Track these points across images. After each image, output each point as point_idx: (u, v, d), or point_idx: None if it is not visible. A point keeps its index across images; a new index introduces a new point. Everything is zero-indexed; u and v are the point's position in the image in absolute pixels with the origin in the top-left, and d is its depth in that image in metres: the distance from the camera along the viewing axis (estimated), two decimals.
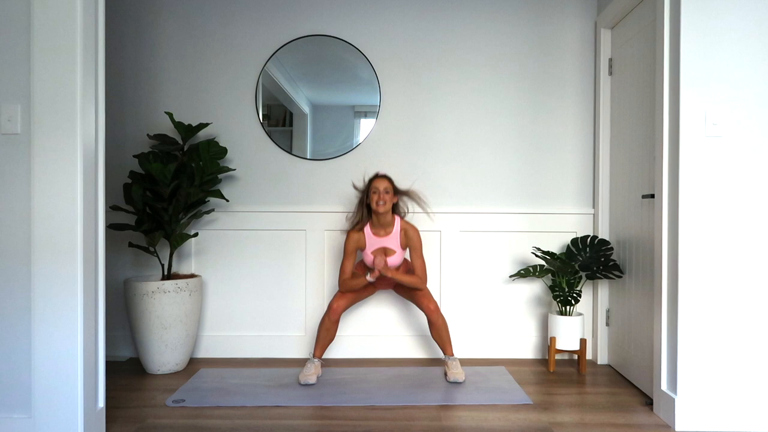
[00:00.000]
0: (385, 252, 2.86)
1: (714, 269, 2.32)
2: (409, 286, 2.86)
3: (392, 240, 2.86)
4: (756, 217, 2.31)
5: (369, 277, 2.78)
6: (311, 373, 2.84)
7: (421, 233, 3.34)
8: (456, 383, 2.83)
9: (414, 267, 2.88)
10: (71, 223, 2.01)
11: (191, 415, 2.45)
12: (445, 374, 2.92)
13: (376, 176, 2.87)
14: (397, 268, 2.94)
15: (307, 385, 2.80)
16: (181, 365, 3.08)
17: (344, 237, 3.10)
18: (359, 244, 2.88)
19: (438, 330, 2.92)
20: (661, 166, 2.44)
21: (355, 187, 2.98)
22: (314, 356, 2.91)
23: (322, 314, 3.32)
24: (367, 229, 2.87)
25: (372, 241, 2.86)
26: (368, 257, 2.87)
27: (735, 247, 2.32)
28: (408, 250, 2.93)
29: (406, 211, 2.97)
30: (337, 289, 3.04)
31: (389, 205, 2.81)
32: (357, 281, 2.83)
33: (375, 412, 2.47)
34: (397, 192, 2.88)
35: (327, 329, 2.89)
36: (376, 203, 2.78)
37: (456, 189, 3.37)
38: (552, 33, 3.37)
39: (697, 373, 2.32)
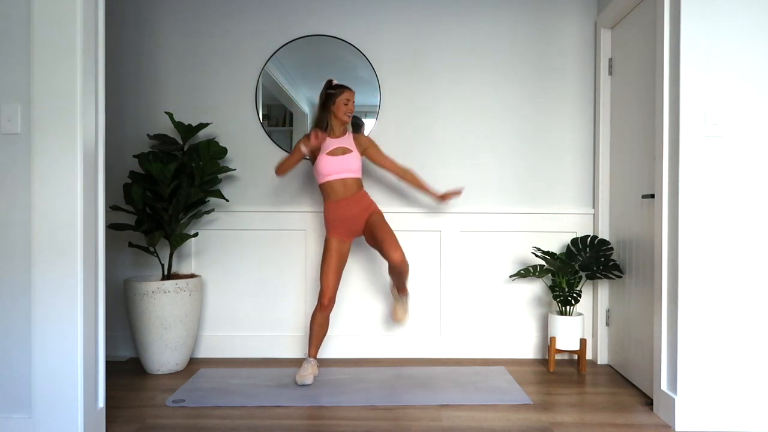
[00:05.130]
0: (343, 150, 2.90)
1: (714, 269, 2.32)
2: (416, 182, 3.04)
3: (347, 140, 2.94)
4: (756, 217, 2.31)
5: (303, 148, 2.78)
6: (308, 373, 2.83)
7: (421, 233, 3.36)
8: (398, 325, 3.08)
9: (386, 162, 3.02)
10: (71, 223, 2.01)
11: (191, 415, 2.45)
12: (393, 311, 3.10)
13: (343, 86, 2.92)
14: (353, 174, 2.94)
15: (304, 385, 2.80)
16: (181, 365, 3.08)
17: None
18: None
19: (399, 274, 2.87)
20: (661, 166, 2.44)
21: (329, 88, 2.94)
22: (309, 356, 2.91)
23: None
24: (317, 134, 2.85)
25: (329, 142, 2.91)
26: (323, 158, 2.87)
27: (735, 247, 2.32)
28: (367, 155, 3.01)
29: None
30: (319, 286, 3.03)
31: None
32: (290, 157, 2.86)
33: (375, 412, 2.47)
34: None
35: (321, 324, 2.89)
36: (346, 114, 2.90)
37: None
38: (552, 33, 3.37)
39: (697, 373, 2.32)
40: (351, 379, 2.92)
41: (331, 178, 2.87)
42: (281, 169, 2.91)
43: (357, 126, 3.32)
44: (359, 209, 2.89)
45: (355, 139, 2.98)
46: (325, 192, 2.92)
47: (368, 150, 3.01)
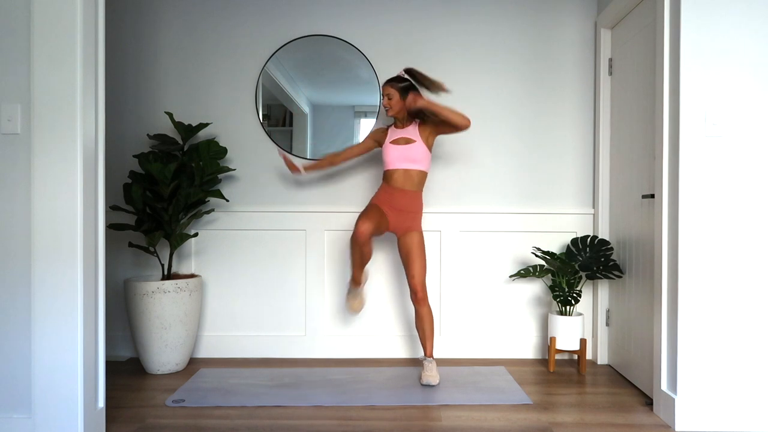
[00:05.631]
0: (406, 141, 2.88)
1: (714, 269, 2.32)
2: (452, 117, 2.71)
3: (412, 131, 2.90)
4: (756, 217, 2.31)
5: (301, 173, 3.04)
6: (357, 302, 3.00)
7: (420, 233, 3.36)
8: (429, 386, 2.79)
9: (446, 112, 2.73)
10: (71, 223, 2.01)
11: (191, 415, 2.45)
12: (420, 376, 2.89)
13: (388, 80, 2.90)
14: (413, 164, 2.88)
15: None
16: (181, 365, 3.09)
17: (346, 239, 3.33)
18: (376, 135, 3.02)
19: (422, 321, 2.87)
20: (661, 166, 2.44)
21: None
22: (354, 282, 2.94)
23: (322, 308, 3.33)
24: (391, 128, 2.97)
25: (393, 132, 2.94)
26: (387, 149, 2.90)
27: (735, 247, 2.32)
28: (432, 134, 2.88)
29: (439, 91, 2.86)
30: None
31: (396, 109, 2.87)
32: (344, 153, 3.03)
33: (375, 412, 2.47)
34: (405, 96, 2.85)
35: (360, 250, 2.75)
36: (384, 107, 2.89)
37: (456, 189, 3.37)
38: (552, 33, 3.37)
39: (697, 373, 2.32)
40: (351, 379, 2.92)
41: (393, 167, 2.88)
42: (331, 159, 3.07)
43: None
44: (409, 208, 2.86)
45: (421, 128, 2.89)
46: (385, 178, 2.93)
47: (430, 131, 2.88)
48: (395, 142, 2.89)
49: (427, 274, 3.10)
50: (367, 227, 2.68)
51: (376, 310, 3.38)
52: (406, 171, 2.86)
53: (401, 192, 2.86)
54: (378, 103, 3.35)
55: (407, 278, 2.89)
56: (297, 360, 3.30)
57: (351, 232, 3.32)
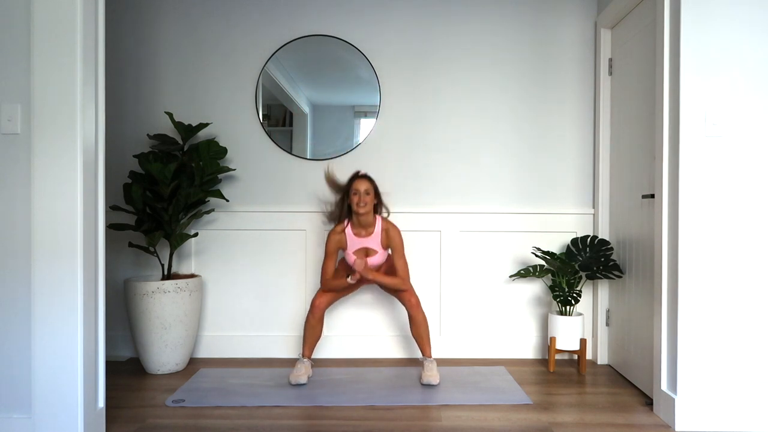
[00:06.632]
0: (367, 252, 2.85)
1: (714, 269, 2.32)
2: (391, 287, 2.86)
3: (373, 240, 2.85)
4: (756, 217, 2.31)
5: (350, 279, 2.78)
6: (302, 373, 2.82)
7: (421, 233, 3.36)
8: (429, 385, 2.79)
9: (396, 267, 2.85)
10: (71, 223, 2.01)
11: (191, 415, 2.45)
12: (420, 376, 2.90)
13: (357, 176, 2.84)
14: (379, 268, 2.93)
15: (298, 385, 2.79)
16: (181, 365, 3.08)
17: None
18: (340, 244, 2.87)
19: (417, 327, 2.89)
20: (661, 166, 2.44)
21: (329, 181, 2.92)
22: (303, 356, 2.89)
23: None
24: (348, 229, 2.86)
25: (353, 241, 2.85)
26: (350, 257, 2.85)
27: (735, 247, 2.32)
28: (390, 250, 2.91)
29: (389, 211, 2.96)
30: (319, 286, 3.01)
31: (370, 207, 2.80)
32: (338, 282, 2.84)
33: (375, 412, 2.47)
34: (378, 193, 2.87)
35: (312, 327, 2.87)
36: (357, 204, 2.76)
37: (456, 189, 3.37)
38: (552, 33, 3.37)
39: (697, 373, 2.32)
40: (351, 379, 2.92)
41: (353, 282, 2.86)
42: (330, 289, 2.87)
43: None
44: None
45: (384, 233, 2.84)
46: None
47: (391, 246, 2.87)
48: (357, 253, 2.84)
49: (412, 274, 3.11)
50: (325, 300, 2.86)
51: (375, 311, 3.38)
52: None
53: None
54: (378, 103, 3.34)
55: (401, 301, 2.93)
56: (297, 360, 3.29)
57: None
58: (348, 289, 3.00)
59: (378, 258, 2.87)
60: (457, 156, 3.38)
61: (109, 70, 3.31)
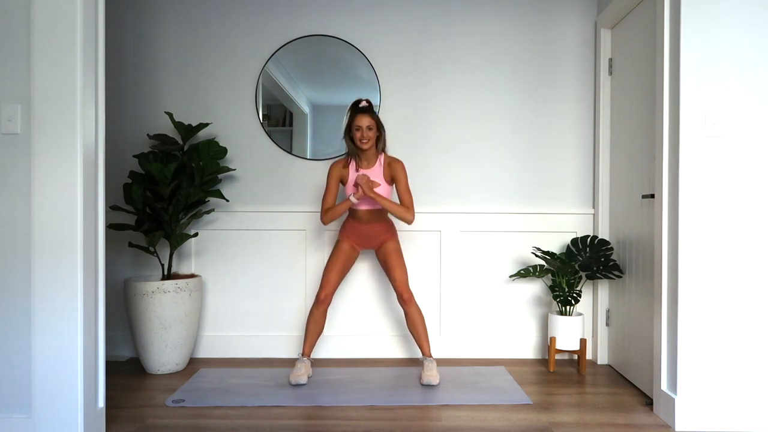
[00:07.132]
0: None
1: (714, 269, 2.32)
2: (394, 214, 2.78)
3: (376, 173, 2.82)
4: (756, 217, 2.31)
5: (352, 198, 2.73)
6: (302, 373, 2.80)
7: (421, 233, 3.36)
8: (429, 385, 2.78)
9: (401, 200, 2.81)
10: (71, 224, 2.01)
11: (191, 415, 2.45)
12: (420, 376, 2.88)
13: (358, 109, 2.78)
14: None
15: (298, 385, 2.79)
16: (181, 365, 3.08)
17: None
18: (342, 175, 2.83)
19: (413, 322, 2.86)
20: (661, 166, 2.44)
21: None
22: (303, 354, 2.88)
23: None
24: (351, 164, 2.83)
25: (355, 174, 2.81)
26: (350, 188, 2.81)
27: (735, 247, 2.32)
28: (394, 186, 2.87)
29: (385, 144, 2.88)
30: (319, 287, 2.98)
31: (373, 141, 2.78)
32: (338, 208, 2.78)
33: (375, 412, 2.47)
34: (380, 126, 2.83)
35: (316, 320, 2.85)
36: (360, 140, 2.74)
37: (456, 189, 3.37)
38: (552, 33, 3.37)
39: (697, 373, 2.32)
40: (351, 379, 2.92)
41: (357, 208, 2.85)
42: (329, 219, 2.82)
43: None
44: (380, 230, 2.90)
45: (387, 165, 2.82)
46: (350, 213, 2.92)
47: (395, 179, 2.84)
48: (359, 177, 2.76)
49: (409, 276, 3.10)
50: (329, 289, 2.82)
51: (375, 311, 3.38)
52: (370, 210, 2.85)
53: (368, 226, 2.88)
54: (378, 103, 3.34)
55: (391, 282, 2.92)
56: (297, 359, 3.29)
57: None
58: (350, 255, 2.87)
59: (381, 190, 2.81)
60: (457, 156, 3.38)
61: (109, 70, 3.31)
